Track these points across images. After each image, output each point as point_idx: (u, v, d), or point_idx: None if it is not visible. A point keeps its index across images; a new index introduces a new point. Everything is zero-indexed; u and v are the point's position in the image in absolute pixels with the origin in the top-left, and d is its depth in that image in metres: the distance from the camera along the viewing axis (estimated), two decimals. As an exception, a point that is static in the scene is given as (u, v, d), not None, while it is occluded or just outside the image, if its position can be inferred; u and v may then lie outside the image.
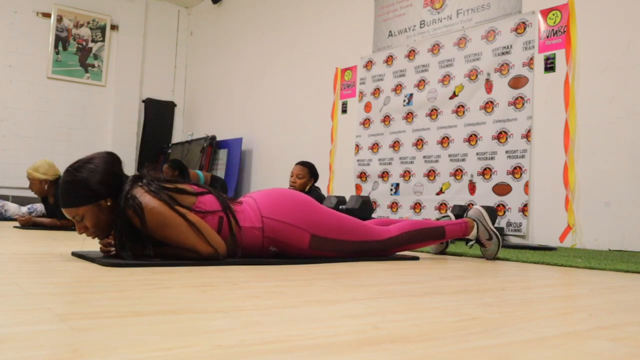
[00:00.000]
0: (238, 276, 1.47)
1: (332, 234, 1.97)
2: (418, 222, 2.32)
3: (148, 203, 1.64)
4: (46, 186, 3.65)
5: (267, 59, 6.90)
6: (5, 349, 0.64)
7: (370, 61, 5.43)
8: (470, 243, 2.43)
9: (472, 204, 4.34)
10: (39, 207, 5.39)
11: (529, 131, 4.06)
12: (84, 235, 1.78)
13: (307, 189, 3.90)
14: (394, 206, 4.98)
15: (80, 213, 1.69)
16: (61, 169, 4.44)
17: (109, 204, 1.70)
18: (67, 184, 1.69)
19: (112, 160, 1.76)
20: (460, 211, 4.12)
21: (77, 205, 1.68)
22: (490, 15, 4.47)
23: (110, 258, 1.64)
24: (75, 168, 1.70)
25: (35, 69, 7.41)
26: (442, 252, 2.66)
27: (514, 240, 4.01)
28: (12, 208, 5.36)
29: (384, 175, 5.12)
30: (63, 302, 0.97)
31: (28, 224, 3.53)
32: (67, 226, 3.62)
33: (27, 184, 3.72)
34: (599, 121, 3.70)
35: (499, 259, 2.45)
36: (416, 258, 2.30)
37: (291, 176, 3.94)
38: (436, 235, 2.31)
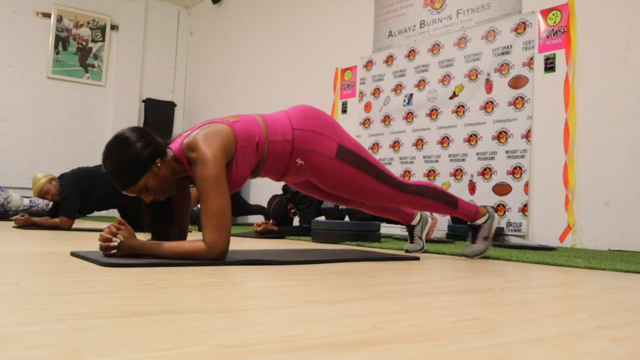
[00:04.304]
0: (238, 276, 1.48)
1: (356, 150, 2.04)
2: (432, 183, 2.35)
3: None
4: (57, 185, 3.72)
5: (267, 58, 6.90)
6: (5, 349, 0.64)
7: (370, 61, 5.43)
8: (471, 224, 2.36)
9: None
10: (41, 202, 5.44)
11: (529, 131, 4.06)
12: (83, 235, 1.78)
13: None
14: (394, 206, 4.98)
15: (141, 185, 1.75)
16: (61, 168, 4.47)
17: (159, 164, 1.76)
18: (116, 170, 1.73)
19: (138, 128, 1.81)
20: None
21: (136, 181, 1.73)
22: (490, 15, 4.47)
23: (110, 258, 1.64)
24: (113, 152, 1.73)
25: (35, 69, 7.41)
26: (421, 250, 2.60)
27: (514, 240, 4.01)
28: (15, 200, 5.41)
29: (384, 175, 5.12)
30: (63, 302, 0.97)
31: (26, 224, 3.53)
32: (65, 226, 3.62)
33: (27, 184, 3.74)
34: (599, 121, 3.70)
35: (498, 259, 2.45)
36: (417, 258, 2.31)
37: None
38: (448, 202, 2.28)
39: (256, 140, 1.86)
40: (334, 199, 2.30)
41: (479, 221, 2.35)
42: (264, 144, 1.88)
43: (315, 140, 1.95)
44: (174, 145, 1.84)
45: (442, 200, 2.26)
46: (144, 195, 1.80)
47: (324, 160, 1.97)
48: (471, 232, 2.39)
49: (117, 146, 1.74)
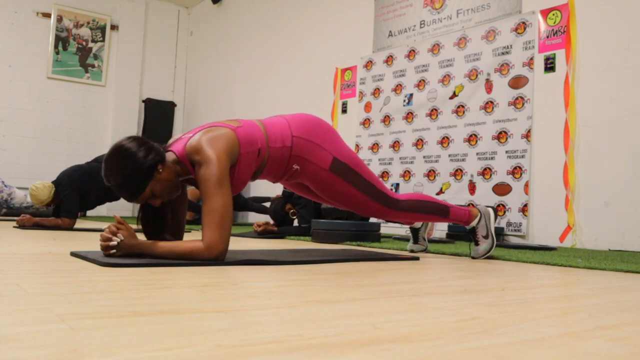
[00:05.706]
0: (238, 276, 1.48)
1: (351, 164, 2.07)
2: (425, 195, 2.36)
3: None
4: (52, 205, 3.78)
5: (267, 58, 6.90)
6: (5, 349, 0.64)
7: (370, 61, 5.43)
8: (468, 229, 2.40)
9: (472, 204, 4.34)
10: None
11: (529, 131, 4.06)
12: (83, 235, 1.79)
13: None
14: (394, 206, 4.98)
15: (148, 193, 1.78)
16: (61, 168, 4.47)
17: (160, 170, 1.77)
18: (122, 183, 1.74)
19: (135, 137, 1.81)
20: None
21: (142, 192, 1.76)
22: (490, 15, 4.47)
23: (110, 258, 1.64)
24: (115, 166, 1.73)
25: (35, 69, 7.40)
26: (424, 251, 2.66)
27: (514, 240, 4.01)
28: (18, 197, 5.44)
29: (384, 175, 5.12)
30: (63, 302, 0.97)
31: (28, 224, 3.53)
32: (68, 226, 3.62)
33: (27, 184, 3.75)
34: (599, 121, 3.70)
35: (498, 259, 2.45)
36: (417, 258, 2.31)
37: None
38: (440, 212, 2.30)
39: (258, 146, 1.88)
40: (328, 202, 2.32)
41: (473, 223, 2.38)
42: (265, 150, 1.91)
43: (312, 150, 1.98)
44: (177, 148, 1.83)
45: (434, 212, 2.30)
46: (152, 201, 1.82)
47: (317, 171, 2.01)
48: (471, 235, 2.42)
49: (118, 159, 1.74)
